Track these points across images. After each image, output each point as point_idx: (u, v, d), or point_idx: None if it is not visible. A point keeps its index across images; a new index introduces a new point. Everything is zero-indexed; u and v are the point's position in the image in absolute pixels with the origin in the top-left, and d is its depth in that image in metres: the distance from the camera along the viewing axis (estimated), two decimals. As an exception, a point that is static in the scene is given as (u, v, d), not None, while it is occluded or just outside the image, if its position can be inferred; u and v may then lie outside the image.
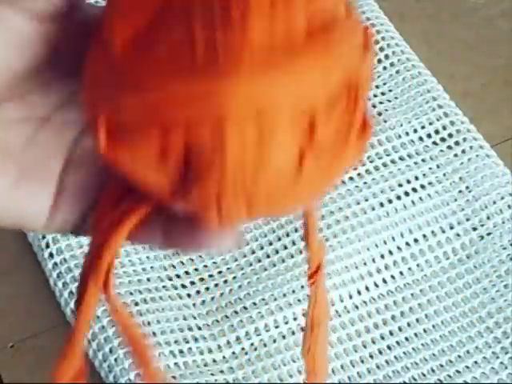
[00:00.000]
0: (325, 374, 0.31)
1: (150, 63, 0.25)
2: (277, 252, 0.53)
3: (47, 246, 0.52)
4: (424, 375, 0.50)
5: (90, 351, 0.49)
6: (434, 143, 0.57)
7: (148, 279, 0.52)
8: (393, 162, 0.57)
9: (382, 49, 0.61)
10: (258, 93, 0.25)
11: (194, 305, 0.52)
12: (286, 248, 0.53)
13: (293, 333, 0.50)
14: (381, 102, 0.59)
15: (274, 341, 0.50)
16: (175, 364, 0.49)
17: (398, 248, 0.54)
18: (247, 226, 0.54)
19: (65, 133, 0.28)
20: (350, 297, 0.52)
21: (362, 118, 0.27)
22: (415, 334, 0.51)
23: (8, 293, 0.52)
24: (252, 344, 0.50)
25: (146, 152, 0.25)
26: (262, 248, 0.54)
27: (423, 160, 0.56)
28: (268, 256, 0.53)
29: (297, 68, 0.25)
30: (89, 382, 0.27)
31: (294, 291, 0.52)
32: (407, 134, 0.58)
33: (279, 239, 0.54)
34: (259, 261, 0.53)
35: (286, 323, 0.51)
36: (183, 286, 0.52)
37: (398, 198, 0.55)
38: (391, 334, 0.51)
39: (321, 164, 0.26)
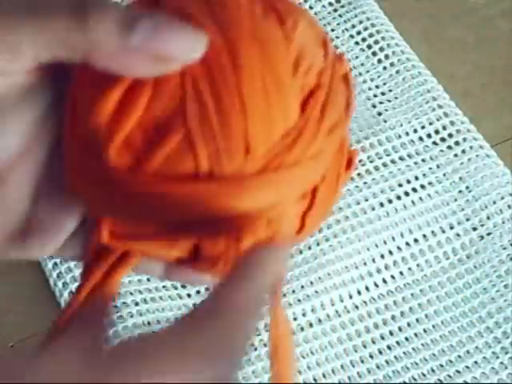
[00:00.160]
0: None
1: (149, 170, 0.25)
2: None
3: (47, 246, 0.52)
4: (424, 375, 0.50)
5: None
6: (434, 143, 0.57)
7: (148, 279, 0.52)
8: (393, 162, 0.57)
9: (382, 49, 0.61)
10: (268, 196, 0.26)
11: (194, 305, 0.52)
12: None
13: (293, 333, 0.50)
14: (381, 102, 0.59)
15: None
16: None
17: (398, 248, 0.54)
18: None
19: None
20: (350, 297, 0.52)
21: (347, 157, 0.29)
22: (415, 334, 0.51)
23: (8, 293, 0.52)
24: (252, 344, 0.50)
25: (153, 242, 0.26)
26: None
27: (423, 160, 0.56)
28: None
29: (301, 166, 0.26)
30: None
31: (294, 291, 0.52)
32: (407, 134, 0.58)
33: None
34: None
35: (286, 323, 0.51)
36: (183, 286, 0.52)
37: (398, 198, 0.55)
38: (391, 334, 0.51)
39: (318, 211, 0.28)
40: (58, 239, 0.28)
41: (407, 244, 0.54)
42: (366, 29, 0.62)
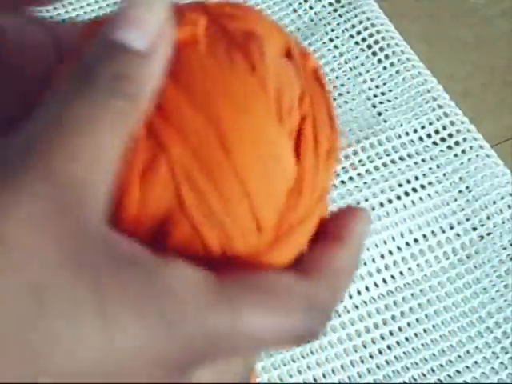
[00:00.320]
0: None
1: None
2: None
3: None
4: (424, 375, 0.50)
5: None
6: (434, 143, 0.57)
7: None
8: (393, 162, 0.57)
9: (382, 49, 0.61)
10: (284, 260, 0.26)
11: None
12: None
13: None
14: (381, 102, 0.59)
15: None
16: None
17: (398, 248, 0.54)
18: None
19: None
20: (350, 297, 0.52)
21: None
22: (415, 334, 0.51)
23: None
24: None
25: None
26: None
27: (423, 160, 0.56)
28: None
29: (310, 217, 0.26)
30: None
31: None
32: (407, 134, 0.58)
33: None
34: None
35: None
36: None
37: (398, 198, 0.55)
38: (391, 334, 0.51)
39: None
40: None
41: (407, 244, 0.54)
42: (366, 29, 0.62)
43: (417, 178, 0.56)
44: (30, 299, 0.20)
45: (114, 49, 0.24)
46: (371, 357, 0.51)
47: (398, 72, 0.60)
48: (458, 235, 0.54)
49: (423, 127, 0.58)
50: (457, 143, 0.57)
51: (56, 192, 0.22)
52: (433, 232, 0.54)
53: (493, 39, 0.63)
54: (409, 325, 0.52)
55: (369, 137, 0.57)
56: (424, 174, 0.56)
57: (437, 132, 0.58)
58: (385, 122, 0.58)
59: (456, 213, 0.55)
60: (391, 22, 0.62)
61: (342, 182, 0.55)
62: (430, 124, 0.58)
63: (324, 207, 0.27)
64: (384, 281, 0.53)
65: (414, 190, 0.55)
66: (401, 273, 0.53)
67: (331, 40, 0.62)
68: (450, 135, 0.57)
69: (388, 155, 0.57)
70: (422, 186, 0.55)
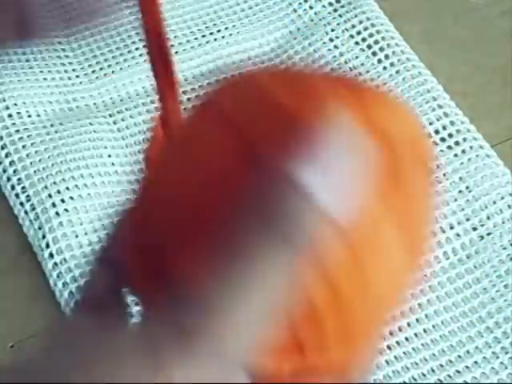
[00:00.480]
0: None
1: None
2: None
3: (47, 246, 0.52)
4: (424, 375, 0.50)
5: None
6: (434, 143, 0.57)
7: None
8: (393, 161, 0.57)
9: (382, 49, 0.61)
10: None
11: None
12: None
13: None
14: (381, 102, 0.59)
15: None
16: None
17: (398, 248, 0.54)
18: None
19: None
20: (350, 297, 0.52)
21: None
22: (415, 334, 0.51)
23: (8, 293, 0.52)
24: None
25: None
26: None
27: (423, 160, 0.56)
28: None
29: None
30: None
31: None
32: (407, 133, 0.58)
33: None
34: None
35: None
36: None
37: (398, 197, 0.55)
38: (391, 334, 0.51)
39: None
40: None
41: (407, 244, 0.54)
42: (366, 29, 0.62)
43: (417, 178, 0.56)
44: None
45: (292, 189, 0.21)
46: (371, 357, 0.51)
47: (398, 72, 0.60)
48: (458, 235, 0.54)
49: (423, 127, 0.58)
50: (457, 143, 0.57)
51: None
52: (433, 232, 0.54)
53: (493, 39, 0.63)
54: (409, 325, 0.52)
55: (369, 137, 0.57)
56: (424, 174, 0.56)
57: (437, 132, 0.58)
58: (385, 122, 0.58)
59: (456, 213, 0.55)
60: (391, 22, 0.62)
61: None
62: (430, 124, 0.58)
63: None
64: (384, 281, 0.53)
65: (414, 189, 0.55)
66: (401, 273, 0.53)
67: (331, 40, 0.62)
68: (450, 135, 0.57)
69: (388, 155, 0.57)
70: (422, 186, 0.55)
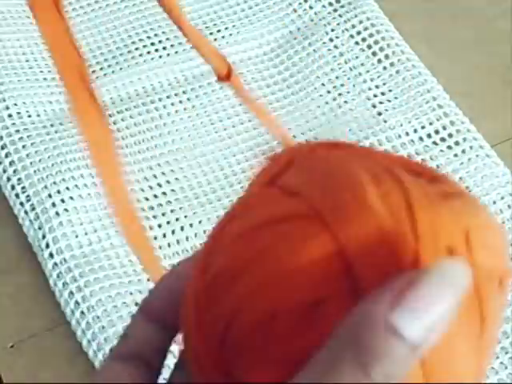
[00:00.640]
0: None
1: None
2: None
3: (47, 246, 0.52)
4: (424, 375, 0.50)
5: (89, 352, 0.49)
6: (434, 143, 0.57)
7: (148, 279, 0.52)
8: (393, 162, 0.57)
9: (382, 49, 0.61)
10: None
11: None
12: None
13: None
14: (381, 102, 0.59)
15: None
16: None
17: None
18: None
19: None
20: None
21: None
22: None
23: (8, 293, 0.52)
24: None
25: None
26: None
27: (423, 160, 0.56)
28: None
29: None
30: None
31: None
32: (407, 134, 0.58)
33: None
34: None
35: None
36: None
37: (398, 198, 0.55)
38: None
39: None
40: None
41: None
42: (366, 29, 0.62)
43: (417, 178, 0.56)
44: None
45: (389, 334, 0.19)
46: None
47: (398, 72, 0.60)
48: (458, 235, 0.54)
49: (423, 127, 0.58)
50: (457, 143, 0.57)
51: None
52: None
53: (493, 39, 0.63)
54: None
55: (369, 137, 0.57)
56: (424, 174, 0.56)
57: (437, 132, 0.58)
58: (385, 122, 0.58)
59: (456, 213, 0.55)
60: (391, 22, 0.62)
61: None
62: (430, 124, 0.58)
63: None
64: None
65: (414, 190, 0.55)
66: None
67: (331, 40, 0.62)
68: (450, 135, 0.57)
69: (388, 155, 0.57)
70: (422, 186, 0.55)
